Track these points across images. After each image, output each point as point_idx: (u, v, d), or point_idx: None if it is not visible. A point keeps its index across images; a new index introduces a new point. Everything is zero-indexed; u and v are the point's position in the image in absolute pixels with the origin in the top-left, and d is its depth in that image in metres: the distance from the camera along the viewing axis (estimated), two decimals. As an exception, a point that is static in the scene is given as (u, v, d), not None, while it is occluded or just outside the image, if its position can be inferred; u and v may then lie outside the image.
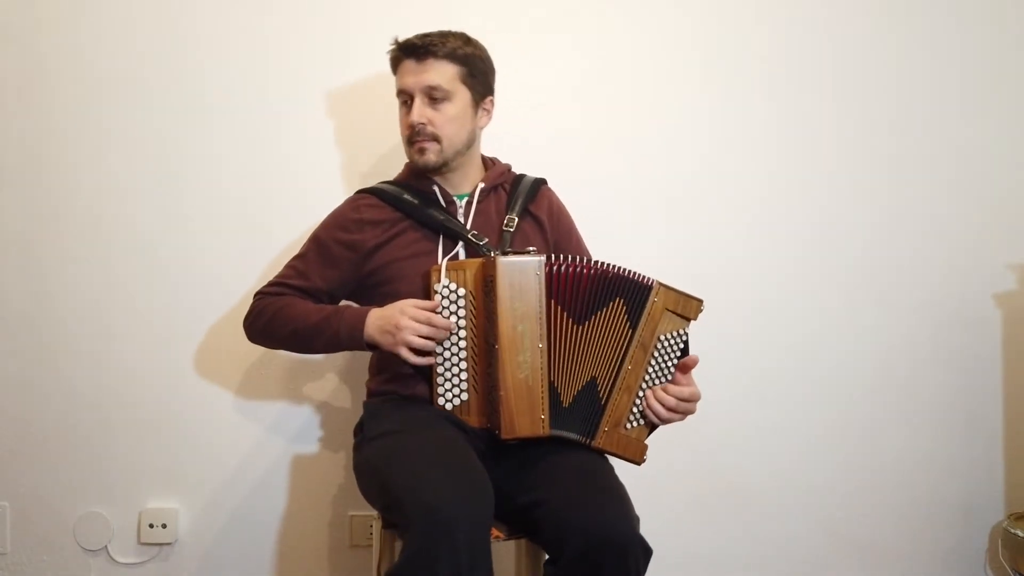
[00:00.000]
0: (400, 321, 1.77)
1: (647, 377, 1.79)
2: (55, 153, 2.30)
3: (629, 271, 1.80)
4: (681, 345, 1.82)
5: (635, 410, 1.80)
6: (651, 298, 1.79)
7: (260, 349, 2.27)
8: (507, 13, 2.33)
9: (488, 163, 2.04)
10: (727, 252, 2.38)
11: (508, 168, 2.05)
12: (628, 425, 1.80)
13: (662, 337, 1.79)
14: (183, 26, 2.30)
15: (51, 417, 2.31)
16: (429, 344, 1.78)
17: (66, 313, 2.30)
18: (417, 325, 1.76)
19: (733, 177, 2.38)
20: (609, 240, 2.18)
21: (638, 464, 1.81)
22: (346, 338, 1.84)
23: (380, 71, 2.00)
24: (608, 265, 1.80)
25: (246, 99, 2.30)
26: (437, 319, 1.77)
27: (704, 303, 1.81)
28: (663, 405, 1.79)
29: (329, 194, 2.18)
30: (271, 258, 2.27)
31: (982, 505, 2.42)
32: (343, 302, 1.99)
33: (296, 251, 2.00)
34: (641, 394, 1.80)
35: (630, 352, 1.78)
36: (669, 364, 1.81)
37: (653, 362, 1.79)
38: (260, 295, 1.97)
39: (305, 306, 1.90)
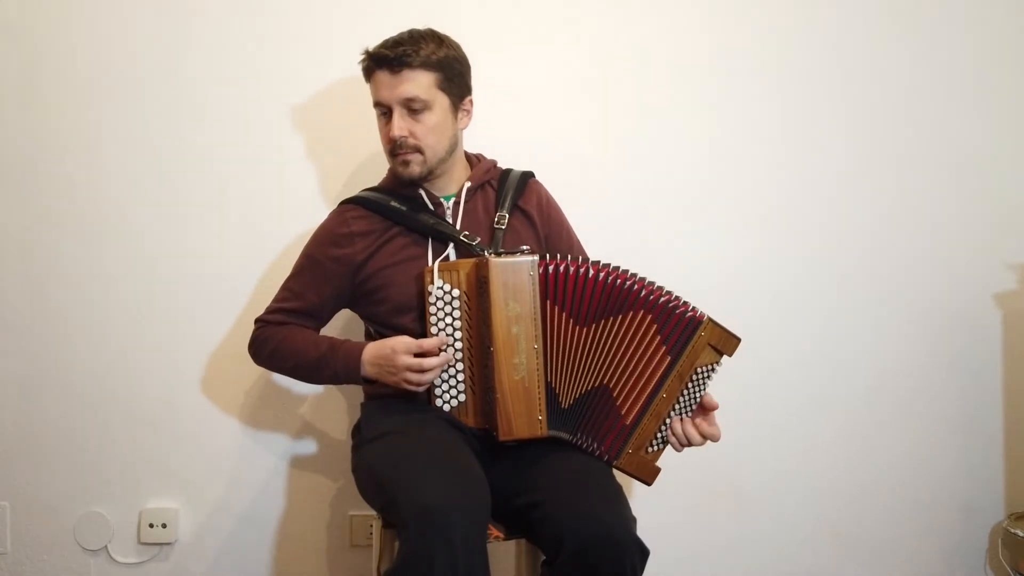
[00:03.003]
0: (396, 361, 1.76)
1: (676, 407, 1.79)
2: (54, 155, 2.30)
3: (676, 298, 1.76)
4: (713, 377, 1.81)
5: (659, 435, 1.79)
6: (698, 332, 1.76)
7: (260, 349, 2.27)
8: (502, 10, 2.33)
9: (473, 160, 2.02)
10: (726, 252, 2.37)
11: (494, 164, 2.02)
12: (649, 449, 1.80)
13: (699, 370, 1.78)
14: (180, 28, 2.29)
15: (51, 417, 2.31)
16: (432, 375, 1.77)
17: (66, 313, 2.31)
18: (414, 361, 1.76)
19: (732, 178, 2.38)
20: (610, 239, 2.19)
21: (648, 485, 1.82)
22: (343, 376, 1.86)
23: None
24: (631, 275, 1.76)
25: (244, 103, 2.30)
26: (434, 347, 1.76)
27: (740, 342, 1.80)
28: (688, 439, 1.79)
29: (329, 196, 2.18)
30: (272, 259, 2.27)
31: (982, 505, 2.42)
32: (341, 310, 2.00)
33: (296, 250, 2.00)
34: (667, 421, 1.79)
35: (667, 382, 1.76)
36: (697, 395, 1.80)
37: (685, 392, 1.78)
38: (261, 323, 1.97)
39: (302, 340, 1.90)
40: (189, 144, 2.30)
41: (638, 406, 1.76)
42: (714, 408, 1.81)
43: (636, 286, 1.76)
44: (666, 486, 2.33)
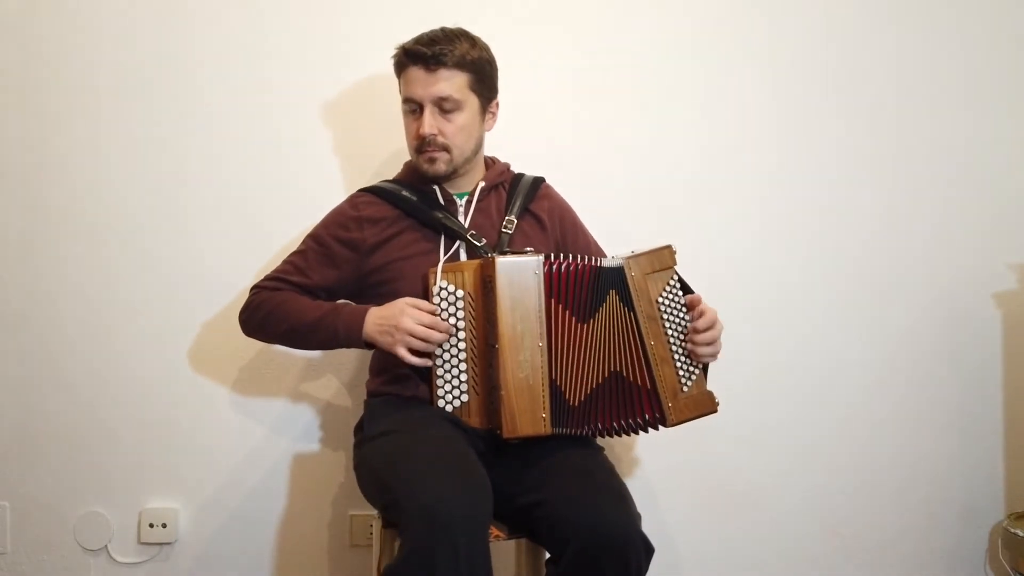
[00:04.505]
0: (400, 321, 1.76)
1: (671, 339, 1.81)
2: (54, 154, 2.30)
3: (599, 260, 1.80)
4: (679, 290, 1.83)
5: (681, 372, 1.81)
6: (627, 275, 1.79)
7: (260, 348, 2.27)
8: (502, 9, 2.33)
9: (488, 162, 2.03)
10: (726, 251, 2.38)
11: (507, 167, 2.04)
12: (684, 388, 1.81)
13: (659, 299, 1.81)
14: (183, 26, 2.30)
15: (51, 417, 2.31)
16: (428, 346, 1.77)
17: (66, 313, 2.30)
18: (416, 327, 1.76)
19: (733, 175, 2.38)
20: (611, 240, 2.19)
21: (715, 412, 1.83)
22: (344, 337, 1.84)
23: (380, 71, 2.00)
24: (589, 259, 1.80)
25: (245, 99, 2.30)
26: (438, 321, 1.77)
27: (673, 245, 1.83)
28: (705, 346, 1.81)
29: (328, 194, 2.17)
30: (269, 258, 2.27)
31: (982, 505, 2.42)
32: (340, 301, 1.99)
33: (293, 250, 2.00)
34: (677, 355, 1.81)
35: (643, 330, 1.79)
36: (681, 314, 1.82)
37: (667, 324, 1.81)
38: (257, 289, 1.96)
39: (303, 302, 1.89)
40: (190, 144, 2.30)
41: (644, 367, 1.79)
42: (698, 302, 1.82)
43: (599, 270, 1.79)
44: (668, 485, 2.35)
